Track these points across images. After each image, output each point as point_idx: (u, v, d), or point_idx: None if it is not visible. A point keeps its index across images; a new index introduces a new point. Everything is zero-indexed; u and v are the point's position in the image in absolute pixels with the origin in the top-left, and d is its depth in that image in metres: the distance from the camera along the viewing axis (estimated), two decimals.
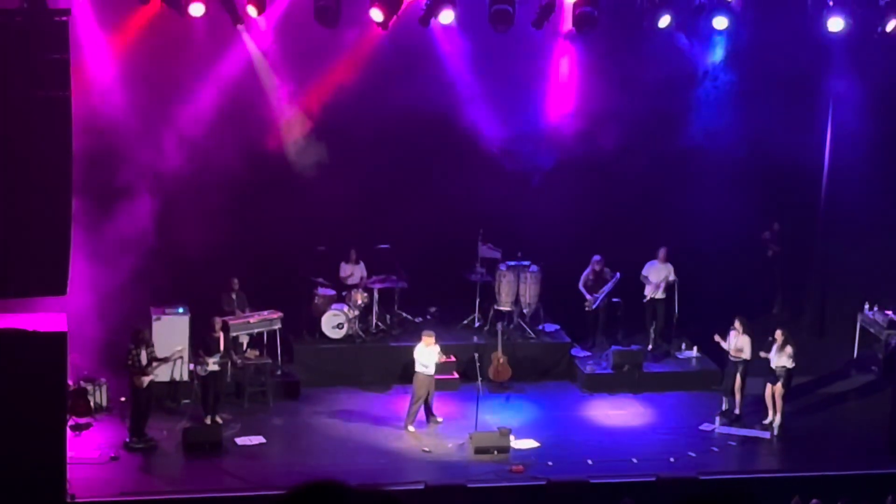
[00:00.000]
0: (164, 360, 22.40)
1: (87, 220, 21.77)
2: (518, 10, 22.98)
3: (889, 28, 23.87)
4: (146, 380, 21.91)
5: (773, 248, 28.02)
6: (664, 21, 23.93)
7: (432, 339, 23.32)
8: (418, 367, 23.22)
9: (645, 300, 26.30)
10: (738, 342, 23.60)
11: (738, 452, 22.84)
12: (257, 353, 24.06)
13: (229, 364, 23.43)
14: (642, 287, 26.30)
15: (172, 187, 24.68)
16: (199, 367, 22.74)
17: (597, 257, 26.03)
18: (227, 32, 24.07)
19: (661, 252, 26.16)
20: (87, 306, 23.14)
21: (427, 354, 23.19)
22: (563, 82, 26.45)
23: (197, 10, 22.06)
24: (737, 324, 23.64)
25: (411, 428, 23.10)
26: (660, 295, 26.19)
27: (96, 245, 23.06)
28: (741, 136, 26.78)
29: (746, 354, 23.56)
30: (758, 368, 23.64)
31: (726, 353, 23.84)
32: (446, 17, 22.94)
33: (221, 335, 22.93)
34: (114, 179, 24.02)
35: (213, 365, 22.64)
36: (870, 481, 21.55)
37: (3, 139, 18.57)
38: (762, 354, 23.34)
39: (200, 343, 22.88)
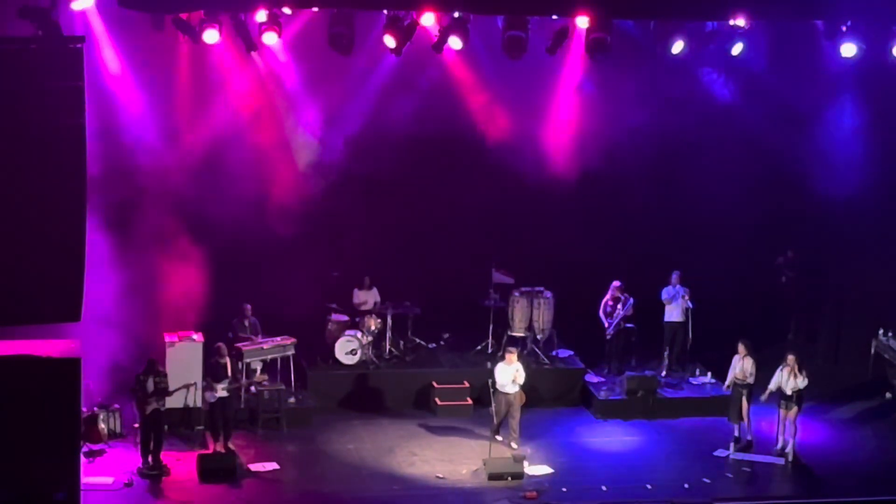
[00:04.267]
0: (169, 392, 22.43)
1: (101, 246, 21.82)
2: (532, 36, 23.04)
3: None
4: (148, 408, 21.96)
5: (787, 274, 27.98)
6: (677, 47, 23.95)
7: (514, 357, 23.44)
8: (498, 385, 23.37)
9: (666, 324, 26.33)
10: (743, 365, 23.54)
11: (752, 478, 22.77)
12: (266, 377, 24.05)
13: (242, 390, 23.47)
14: (656, 312, 26.26)
15: (186, 213, 24.76)
16: (207, 394, 22.75)
17: (616, 283, 25.99)
18: (240, 58, 24.20)
19: (674, 276, 26.12)
20: (102, 333, 23.20)
21: (507, 373, 23.31)
22: (580, 108, 26.49)
23: (211, 36, 22.12)
24: (741, 347, 23.57)
25: (499, 437, 23.39)
26: (678, 318, 26.15)
27: (111, 272, 23.13)
28: (756, 162, 26.81)
29: (751, 378, 23.50)
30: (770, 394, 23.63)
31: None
32: (455, 43, 23.02)
33: (228, 361, 22.92)
34: (128, 206, 24.14)
35: (221, 391, 22.64)
36: None
37: (17, 166, 18.60)
38: (772, 387, 23.24)
39: (208, 369, 22.90)
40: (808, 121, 26.38)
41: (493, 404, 23.41)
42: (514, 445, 23.29)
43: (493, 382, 23.35)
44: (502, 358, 23.79)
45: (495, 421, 23.43)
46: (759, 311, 27.11)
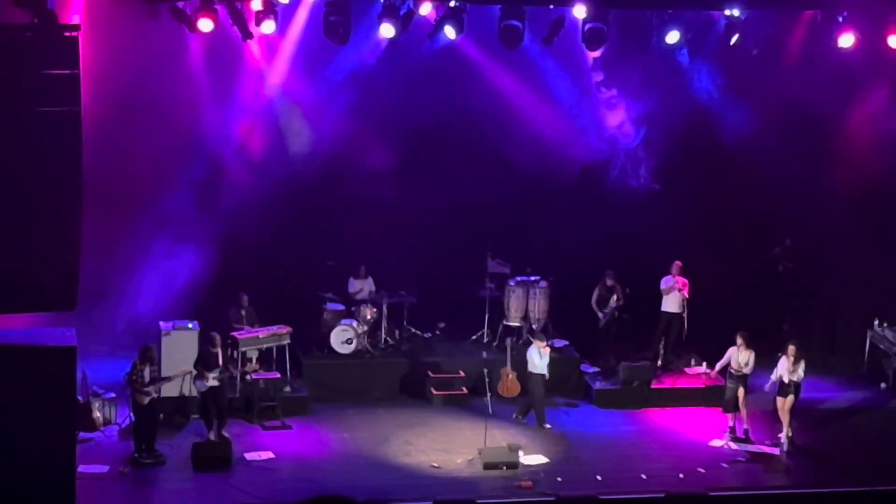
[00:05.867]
0: (167, 379, 22.41)
1: (97, 236, 21.79)
2: (528, 25, 23.05)
3: (892, 43, 23.90)
4: (146, 398, 21.91)
5: (784, 265, 27.94)
6: (672, 37, 23.95)
7: (543, 343, 23.94)
8: (532, 368, 23.89)
9: (662, 313, 26.32)
10: (742, 357, 23.51)
11: (747, 469, 22.77)
12: (258, 366, 23.94)
13: (237, 379, 23.46)
14: (653, 302, 26.25)
15: (182, 202, 24.74)
16: (198, 383, 22.69)
17: (609, 272, 25.99)
18: (234, 47, 24.18)
19: (675, 266, 26.08)
20: (97, 321, 23.19)
21: (539, 356, 23.72)
22: (577, 97, 26.47)
23: (206, 25, 22.12)
24: (739, 339, 23.55)
25: (547, 425, 23.88)
26: (675, 309, 26.12)
27: (107, 261, 23.11)
28: (754, 152, 26.78)
29: (749, 369, 23.48)
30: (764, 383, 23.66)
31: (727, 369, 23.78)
32: (451, 32, 23.05)
33: (220, 350, 22.89)
34: (123, 196, 24.12)
35: (212, 380, 22.60)
36: (880, 497, 21.48)
37: (12, 154, 18.56)
38: (780, 375, 23.20)
39: (200, 358, 22.87)
40: (805, 111, 26.33)
41: (533, 390, 23.93)
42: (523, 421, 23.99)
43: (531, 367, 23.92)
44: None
45: (539, 407, 23.98)
46: (755, 301, 27.06)
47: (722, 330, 24.41)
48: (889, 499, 21.25)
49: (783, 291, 28.06)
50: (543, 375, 23.83)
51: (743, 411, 23.60)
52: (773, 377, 23.26)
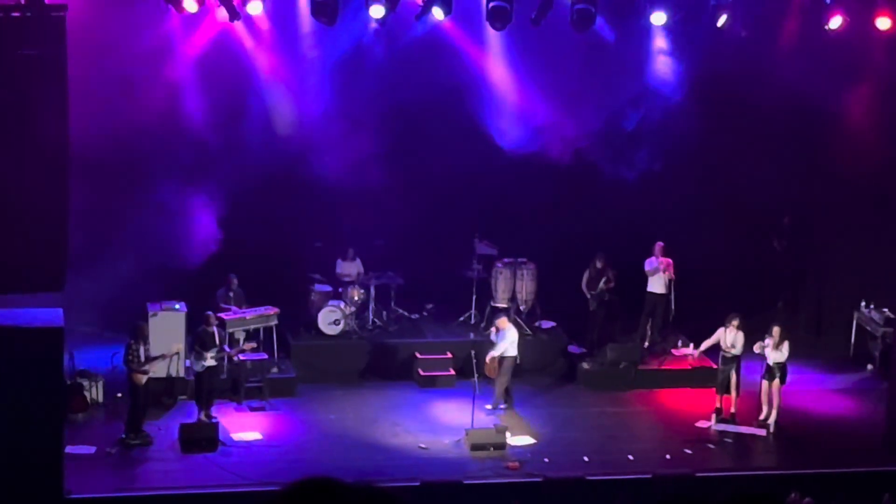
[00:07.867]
0: (161, 357, 22.37)
1: (84, 215, 21.74)
2: (516, 6, 23.01)
3: (880, 25, 23.89)
4: (144, 377, 21.88)
5: (780, 243, 27.76)
6: (658, 18, 23.92)
7: (506, 322, 23.75)
8: (507, 353, 23.74)
9: (648, 294, 26.32)
10: (732, 339, 23.52)
11: (734, 449, 22.85)
12: (254, 344, 23.89)
13: (230, 358, 23.43)
14: (641, 284, 26.26)
15: (169, 183, 24.68)
16: (194, 363, 22.65)
17: (599, 254, 25.96)
18: (221, 28, 24.11)
19: (657, 247, 26.08)
20: (85, 302, 23.13)
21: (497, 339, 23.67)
22: (567, 77, 26.39)
23: (191, 6, 22.06)
24: (734, 321, 23.55)
25: (488, 406, 23.63)
26: (661, 290, 26.11)
27: (94, 240, 23.06)
28: (741, 134, 26.76)
29: (739, 351, 23.49)
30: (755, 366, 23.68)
31: (718, 350, 23.79)
32: (438, 13, 23.01)
33: (216, 330, 22.87)
34: (110, 175, 24.05)
35: (210, 360, 22.57)
36: (866, 479, 21.58)
37: None
38: (756, 350, 23.21)
39: (196, 338, 22.82)
40: (796, 93, 26.28)
41: (504, 373, 23.63)
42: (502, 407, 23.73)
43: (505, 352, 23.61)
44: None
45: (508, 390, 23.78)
46: (748, 281, 26.99)
47: (712, 311, 24.39)
48: (872, 480, 21.34)
49: (780, 271, 27.93)
50: (506, 358, 23.73)
51: (733, 393, 23.60)
52: (756, 349, 23.18)
